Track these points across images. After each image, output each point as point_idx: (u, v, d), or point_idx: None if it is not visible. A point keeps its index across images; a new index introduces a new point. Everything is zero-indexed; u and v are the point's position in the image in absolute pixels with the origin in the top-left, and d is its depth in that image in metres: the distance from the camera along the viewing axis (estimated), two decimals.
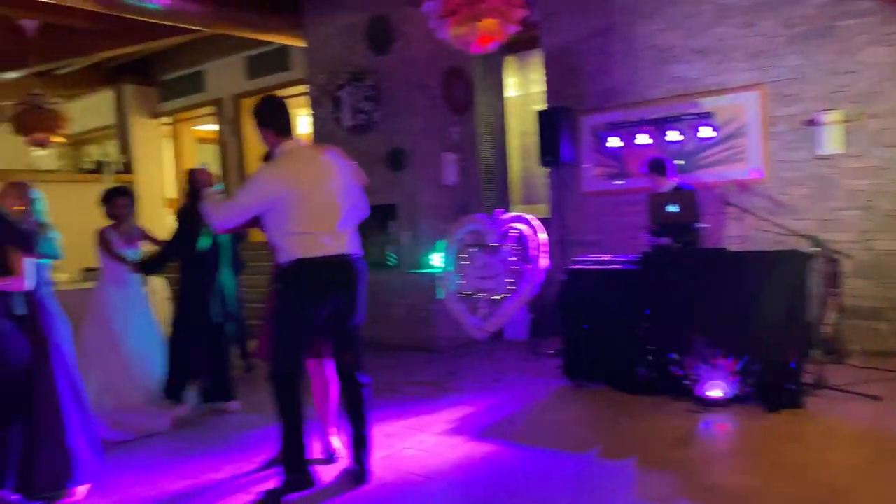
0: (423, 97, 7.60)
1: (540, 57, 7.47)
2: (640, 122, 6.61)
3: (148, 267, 5.36)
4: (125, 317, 5.14)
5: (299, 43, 8.58)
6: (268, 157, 3.88)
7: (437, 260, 6.81)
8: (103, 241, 5.12)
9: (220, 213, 3.57)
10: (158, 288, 8.83)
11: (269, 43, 9.56)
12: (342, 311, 3.60)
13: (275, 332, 3.58)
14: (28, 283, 3.45)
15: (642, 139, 6.55)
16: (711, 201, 5.83)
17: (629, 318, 5.02)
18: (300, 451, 3.54)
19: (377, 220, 7.89)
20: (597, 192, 7.03)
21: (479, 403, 5.05)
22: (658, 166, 5.79)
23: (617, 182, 6.89)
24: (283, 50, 9.73)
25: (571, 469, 3.71)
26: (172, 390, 5.14)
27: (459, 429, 4.48)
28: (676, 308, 4.84)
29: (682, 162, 6.41)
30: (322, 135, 8.23)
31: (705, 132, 6.24)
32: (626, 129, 6.69)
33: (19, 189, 3.72)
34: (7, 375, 3.42)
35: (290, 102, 10.82)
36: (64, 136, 8.66)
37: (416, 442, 4.26)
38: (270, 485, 3.60)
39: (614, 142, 6.74)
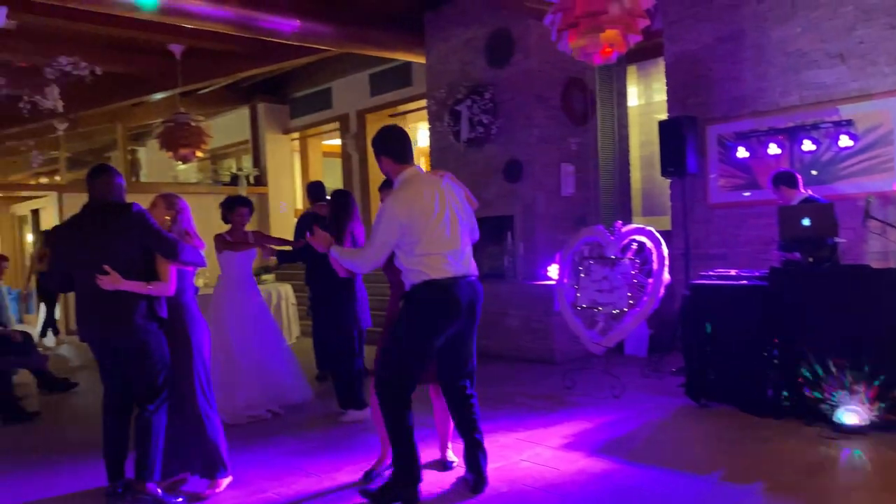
0: (541, 109, 7.60)
1: (663, 65, 7.29)
2: (770, 131, 6.29)
3: (283, 255, 5.70)
4: (241, 317, 5.45)
5: (420, 59, 8.82)
6: (386, 185, 4.01)
7: (553, 271, 6.77)
8: (223, 242, 5.47)
9: (364, 258, 3.65)
10: (287, 293, 9.30)
11: (392, 60, 9.88)
12: (463, 330, 3.63)
13: (393, 345, 3.61)
14: (172, 289, 3.73)
15: (773, 149, 6.23)
16: (850, 214, 5.47)
17: (757, 336, 4.78)
18: (407, 465, 3.54)
19: (493, 231, 7.98)
20: (723, 203, 6.75)
21: (597, 419, 4.97)
22: (786, 179, 5.50)
23: (745, 193, 6.59)
24: (406, 66, 10.02)
25: (693, 491, 3.58)
26: (350, 399, 5.28)
27: (576, 443, 4.43)
28: (810, 327, 4.57)
29: (816, 172, 6.06)
30: (440, 148, 8.40)
31: (844, 141, 5.85)
32: (756, 139, 6.38)
33: (168, 200, 4.00)
34: (150, 373, 3.70)
35: (411, 117, 11.21)
36: (205, 151, 9.32)
37: (533, 454, 4.25)
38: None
39: (742, 152, 6.45)
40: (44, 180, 15.43)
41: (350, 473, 4.06)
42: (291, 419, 5.38)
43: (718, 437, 4.48)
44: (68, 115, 4.75)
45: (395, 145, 3.66)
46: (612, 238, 5.96)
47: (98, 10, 6.31)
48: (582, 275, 6.05)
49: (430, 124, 8.67)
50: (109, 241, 3.62)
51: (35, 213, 13.47)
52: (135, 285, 3.59)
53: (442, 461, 4.10)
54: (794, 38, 6.22)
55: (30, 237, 14.01)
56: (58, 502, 3.90)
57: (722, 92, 6.71)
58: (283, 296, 9.21)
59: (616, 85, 8.41)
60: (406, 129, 3.78)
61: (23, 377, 6.89)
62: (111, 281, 3.54)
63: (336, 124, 11.84)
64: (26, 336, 6.74)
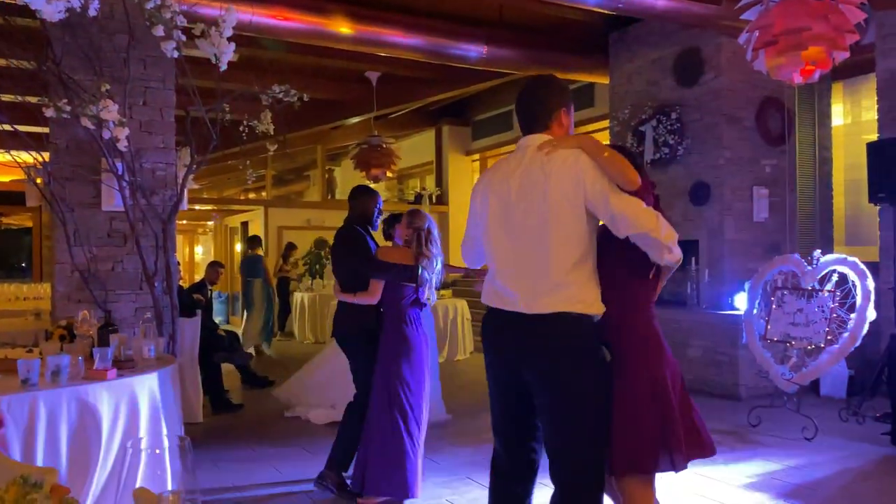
0: (732, 129, 7.26)
1: (874, 82, 6.68)
2: None
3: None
4: None
5: (603, 80, 8.76)
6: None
7: (741, 300, 6.40)
8: None
9: (464, 248, 2.77)
10: (462, 309, 9.60)
11: (575, 81, 9.89)
12: (537, 398, 2.38)
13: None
14: (374, 299, 3.98)
15: None
16: None
17: None
18: None
19: None
20: None
21: (785, 461, 4.63)
22: None
23: None
24: (588, 87, 9.99)
25: None
26: None
27: (761, 485, 4.16)
28: None
29: None
30: None
31: None
32: None
33: (409, 216, 4.12)
34: (353, 374, 4.13)
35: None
36: (394, 171, 9.87)
37: (713, 492, 4.05)
38: None
39: None
40: (252, 196, 17.13)
41: None
42: (452, 429, 5.54)
43: None
44: (278, 138, 5.27)
45: (518, 105, 2.70)
46: (809, 268, 5.54)
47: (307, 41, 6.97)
48: (774, 306, 5.67)
49: (611, 145, 8.57)
50: (335, 254, 4.29)
51: (245, 224, 14.98)
52: (345, 295, 4.04)
53: None
54: None
55: (238, 247, 15.58)
56: (261, 488, 4.31)
57: None
58: (458, 311, 9.54)
59: (818, 104, 7.83)
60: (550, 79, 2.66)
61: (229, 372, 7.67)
62: (333, 290, 4.14)
63: (515, 146, 12.02)
64: (232, 336, 7.52)
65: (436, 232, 4.06)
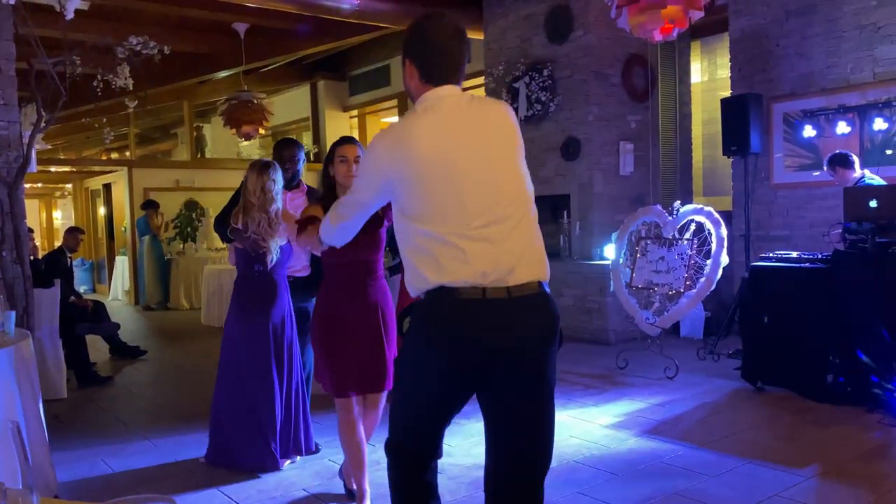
0: (600, 86, 7.50)
1: (728, 41, 7.09)
2: (840, 109, 6.08)
3: None
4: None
5: (478, 36, 8.78)
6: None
7: (609, 251, 6.73)
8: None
9: (327, 223, 2.31)
10: None
11: None
12: (515, 402, 1.95)
13: (398, 390, 2.13)
14: (229, 259, 3.92)
15: (842, 127, 6.03)
16: None
17: (817, 320, 4.68)
18: None
19: (549, 210, 7.95)
20: (787, 184, 6.57)
21: (650, 399, 4.96)
22: (842, 160, 5.41)
23: (814, 173, 6.40)
24: None
25: (743, 473, 3.56)
26: None
27: (627, 423, 4.44)
28: (872, 311, 4.44)
29: (891, 152, 5.84)
30: None
31: None
32: (824, 117, 6.19)
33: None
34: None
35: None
36: (266, 128, 9.52)
37: (583, 432, 4.28)
38: None
39: (809, 130, 6.26)
40: (115, 156, 16.05)
41: None
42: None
43: (773, 421, 4.42)
44: (138, 93, 4.94)
45: (426, 49, 2.05)
46: (670, 218, 5.88)
47: None
48: (638, 255, 6.00)
49: None
50: None
51: (107, 187, 14.04)
52: None
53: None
54: (869, 12, 5.97)
55: (102, 210, 14.61)
56: (136, 464, 4.12)
57: (789, 68, 6.50)
58: None
59: (679, 61, 8.23)
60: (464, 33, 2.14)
61: (97, 344, 7.26)
62: None
63: (394, 101, 11.91)
64: (99, 305, 7.09)
65: (255, 178, 3.54)
